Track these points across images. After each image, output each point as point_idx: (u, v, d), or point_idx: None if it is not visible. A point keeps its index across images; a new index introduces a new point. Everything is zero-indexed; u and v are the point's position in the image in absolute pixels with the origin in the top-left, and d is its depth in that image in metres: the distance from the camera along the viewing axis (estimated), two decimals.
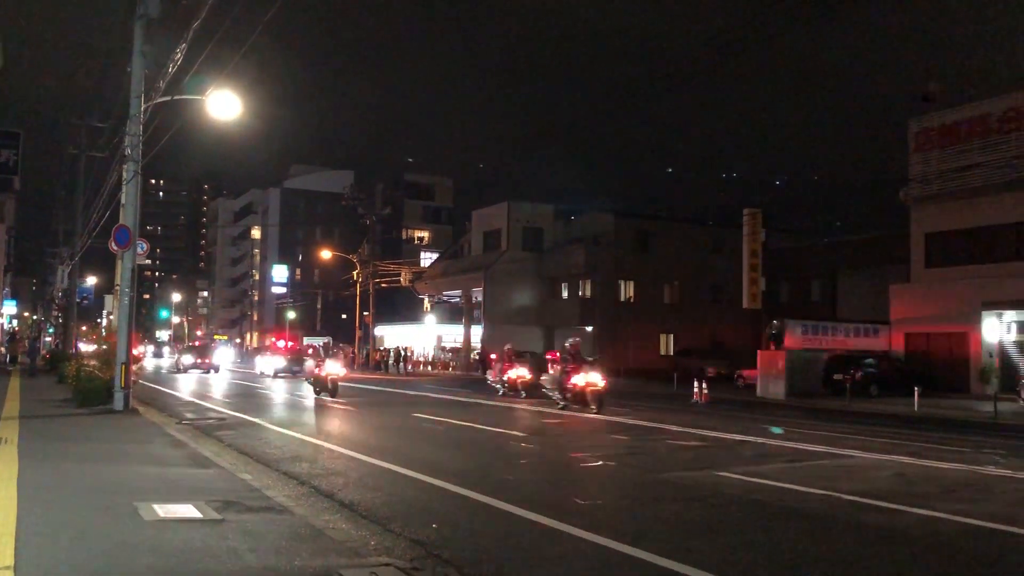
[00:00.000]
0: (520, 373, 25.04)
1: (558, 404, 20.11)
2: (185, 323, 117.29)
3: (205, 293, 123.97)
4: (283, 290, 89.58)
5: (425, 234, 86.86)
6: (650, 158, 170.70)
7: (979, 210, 29.50)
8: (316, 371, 23.76)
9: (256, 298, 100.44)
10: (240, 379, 36.28)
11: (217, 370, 41.91)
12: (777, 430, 11.63)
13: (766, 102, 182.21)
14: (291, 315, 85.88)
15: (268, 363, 40.14)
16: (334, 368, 23.25)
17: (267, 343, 60.85)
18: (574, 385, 19.48)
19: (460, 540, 6.70)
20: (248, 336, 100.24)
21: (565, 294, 50.50)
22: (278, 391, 28.18)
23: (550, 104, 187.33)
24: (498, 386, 26.15)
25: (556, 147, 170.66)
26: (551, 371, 21.10)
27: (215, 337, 70.47)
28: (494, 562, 6.02)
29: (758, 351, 29.99)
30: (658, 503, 8.65)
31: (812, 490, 9.27)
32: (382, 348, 55.68)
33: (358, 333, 55.51)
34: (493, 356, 26.44)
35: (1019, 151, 28.09)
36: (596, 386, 19.22)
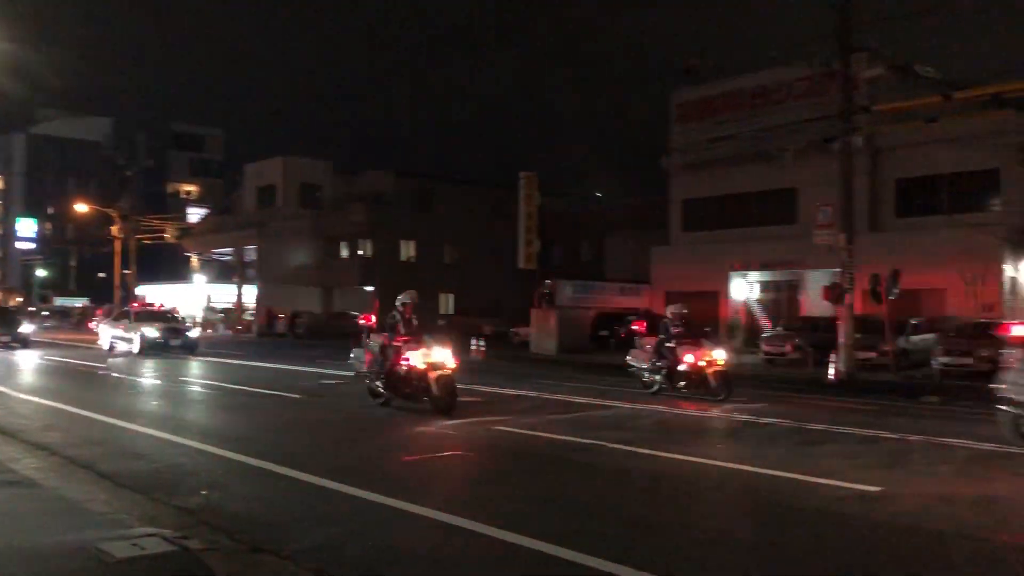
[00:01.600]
0: (715, 357, 14.71)
1: None
2: None
3: None
4: (31, 246, 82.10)
5: (193, 188, 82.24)
6: (431, 118, 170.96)
7: (730, 179, 32.04)
8: (396, 362, 12.42)
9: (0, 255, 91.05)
10: (73, 359, 23.62)
11: (26, 344, 28.77)
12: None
13: (546, 71, 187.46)
14: (41, 273, 78.60)
15: (123, 333, 26.77)
16: (442, 357, 12.16)
17: (118, 305, 43.53)
18: None
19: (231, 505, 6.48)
20: None
21: (345, 253, 49.68)
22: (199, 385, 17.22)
23: (331, 58, 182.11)
24: (652, 377, 15.52)
25: (336, 102, 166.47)
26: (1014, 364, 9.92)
27: None
28: (267, 525, 5.87)
29: (531, 310, 31.15)
30: (437, 457, 8.80)
31: (582, 440, 9.79)
32: None
33: (118, 293, 51.71)
34: (637, 327, 15.30)
35: (766, 125, 30.72)
36: None
